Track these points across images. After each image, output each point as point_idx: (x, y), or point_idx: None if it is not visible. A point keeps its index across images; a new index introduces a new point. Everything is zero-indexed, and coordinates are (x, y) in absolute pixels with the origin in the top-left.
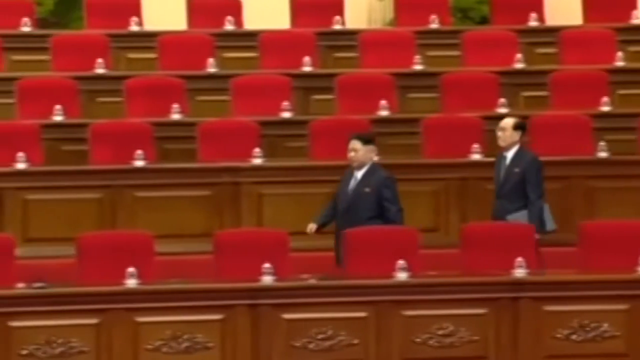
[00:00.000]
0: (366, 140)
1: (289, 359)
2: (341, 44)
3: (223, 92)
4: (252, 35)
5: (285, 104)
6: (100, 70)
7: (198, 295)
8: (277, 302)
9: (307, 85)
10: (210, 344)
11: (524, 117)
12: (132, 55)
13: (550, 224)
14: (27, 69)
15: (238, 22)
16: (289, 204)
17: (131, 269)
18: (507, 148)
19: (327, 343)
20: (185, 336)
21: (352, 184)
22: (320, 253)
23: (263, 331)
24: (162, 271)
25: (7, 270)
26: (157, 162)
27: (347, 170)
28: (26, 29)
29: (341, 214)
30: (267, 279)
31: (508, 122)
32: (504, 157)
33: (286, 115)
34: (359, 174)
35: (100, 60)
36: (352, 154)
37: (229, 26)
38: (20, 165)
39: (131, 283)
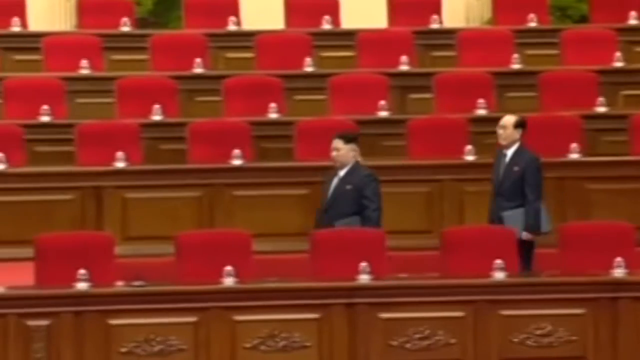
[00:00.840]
0: (348, 139)
1: (386, 358)
2: (439, 42)
3: (320, 91)
4: (350, 34)
5: (382, 103)
6: (198, 70)
7: (295, 294)
8: (374, 301)
9: (405, 84)
10: (307, 343)
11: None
12: (230, 54)
13: (545, 225)
14: (126, 69)
15: (335, 21)
16: (386, 202)
17: (229, 268)
18: (508, 146)
19: (425, 342)
20: (283, 335)
21: (335, 182)
22: (417, 252)
23: (360, 330)
24: (259, 270)
25: (106, 268)
26: (254, 161)
27: (330, 172)
28: (126, 28)
29: (323, 212)
30: (364, 278)
31: (509, 119)
32: (504, 155)
33: (383, 114)
34: (342, 173)
35: (198, 59)
36: (334, 153)
37: (326, 25)
38: (120, 164)
39: (229, 282)
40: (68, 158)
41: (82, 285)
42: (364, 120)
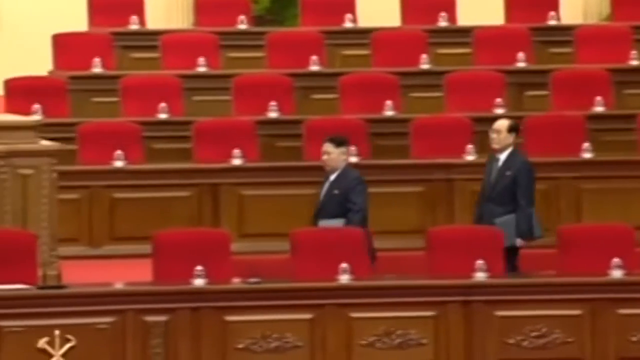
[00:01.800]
0: (339, 143)
1: (502, 356)
2: (556, 39)
3: (436, 88)
4: (466, 31)
5: (498, 100)
6: (314, 67)
7: (411, 291)
8: (490, 299)
9: (521, 81)
10: (423, 341)
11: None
12: (347, 52)
13: (537, 231)
14: (243, 66)
15: (452, 18)
16: None
17: (344, 265)
18: (501, 150)
19: (541, 341)
20: (399, 332)
21: (326, 186)
22: (534, 250)
23: (476, 328)
24: (376, 267)
25: (223, 265)
26: (370, 159)
27: (326, 173)
28: (242, 26)
29: (314, 216)
30: (480, 276)
31: (502, 124)
32: (497, 160)
33: (499, 111)
34: (332, 177)
35: (314, 57)
36: (325, 157)
37: (442, 22)
38: (236, 161)
39: (344, 279)
40: (185, 155)
41: (199, 282)
42: (479, 118)
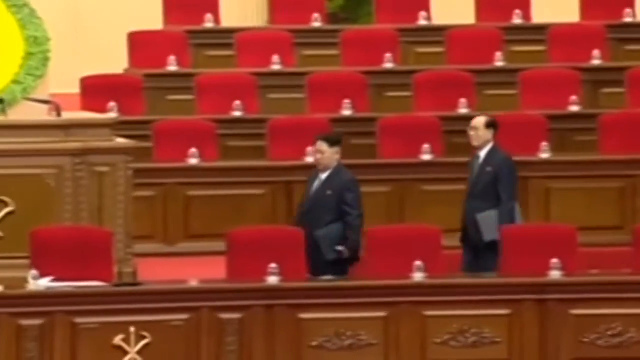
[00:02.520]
0: (333, 142)
1: (577, 355)
2: (632, 36)
3: (511, 86)
4: (541, 28)
5: (574, 98)
6: (389, 65)
7: (485, 289)
8: (565, 298)
9: (597, 79)
10: (497, 339)
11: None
12: (421, 49)
13: None
14: (317, 64)
15: (526, 15)
16: (578, 198)
17: (418, 263)
18: (480, 147)
19: (617, 340)
20: (473, 330)
21: (316, 185)
22: (609, 248)
23: (551, 326)
24: (449, 265)
25: (297, 262)
26: (444, 157)
27: (314, 171)
28: (317, 24)
29: (303, 215)
30: (555, 274)
31: (480, 120)
32: (477, 157)
33: (574, 109)
34: (324, 176)
35: (388, 54)
36: (318, 156)
37: (517, 20)
38: (310, 159)
39: (418, 277)
40: (259, 153)
41: (273, 280)
42: (555, 115)
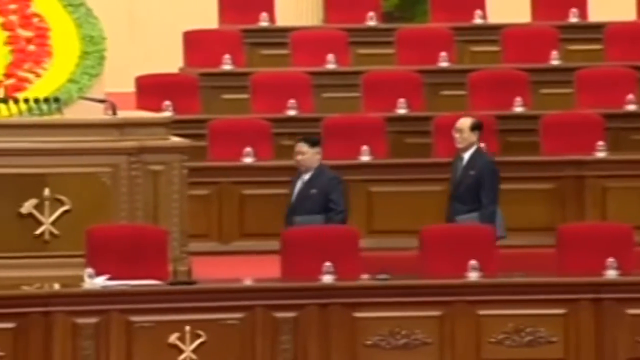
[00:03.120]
0: (313, 143)
1: (633, 355)
2: None
3: (567, 84)
4: (597, 27)
5: (630, 96)
6: (444, 64)
7: (540, 289)
8: (621, 297)
9: None
10: (553, 338)
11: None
12: (476, 48)
13: (500, 231)
14: (372, 63)
15: (582, 14)
16: (634, 197)
17: (473, 262)
18: (465, 149)
19: None
20: (528, 330)
21: (299, 185)
22: None
23: (607, 326)
24: (505, 264)
25: (352, 261)
26: (500, 155)
27: (297, 172)
28: (372, 23)
29: (289, 217)
30: (611, 274)
31: (465, 122)
32: (461, 158)
33: (631, 107)
34: (306, 176)
35: (444, 53)
36: (299, 157)
37: (573, 18)
38: (365, 158)
39: (473, 276)
40: None
41: (327, 278)
42: (611, 114)
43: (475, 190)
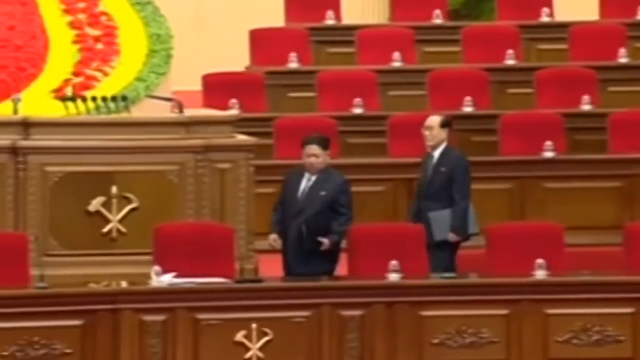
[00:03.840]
0: (325, 146)
1: None
2: None
3: (635, 82)
4: None
5: None
6: (510, 62)
7: (608, 287)
8: None
9: None
10: (621, 337)
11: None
12: (543, 46)
13: (473, 227)
14: (438, 61)
15: None
16: None
17: (540, 260)
18: (435, 147)
19: None
20: (596, 328)
21: (304, 186)
22: None
23: None
24: (572, 263)
25: (418, 260)
26: (566, 154)
27: (294, 174)
28: (438, 21)
29: (290, 218)
30: None
31: (434, 120)
32: (431, 157)
33: None
34: (314, 177)
35: (510, 51)
36: (312, 159)
37: None
38: None
39: (540, 274)
40: (380, 149)
41: (394, 277)
42: None
43: (447, 187)
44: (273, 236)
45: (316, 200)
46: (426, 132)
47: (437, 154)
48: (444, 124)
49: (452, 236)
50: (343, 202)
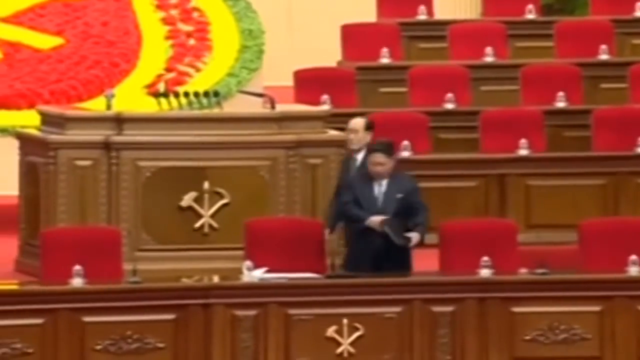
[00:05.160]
0: (390, 152)
1: None
2: None
3: None
4: None
5: None
6: (603, 56)
7: None
8: None
9: None
10: None
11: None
12: (637, 40)
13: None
14: (530, 56)
15: None
16: None
17: (634, 257)
18: (359, 150)
19: None
20: None
21: (378, 192)
22: None
23: None
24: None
25: (509, 255)
26: None
27: (357, 180)
28: (530, 16)
29: (361, 215)
30: None
31: (359, 122)
32: (354, 159)
33: None
34: (384, 182)
35: (604, 46)
36: (378, 168)
37: None
38: (523, 152)
39: (633, 271)
40: (472, 145)
41: (485, 272)
42: None
43: None
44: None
45: (393, 203)
46: (351, 135)
47: (360, 156)
48: (369, 127)
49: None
50: (416, 200)
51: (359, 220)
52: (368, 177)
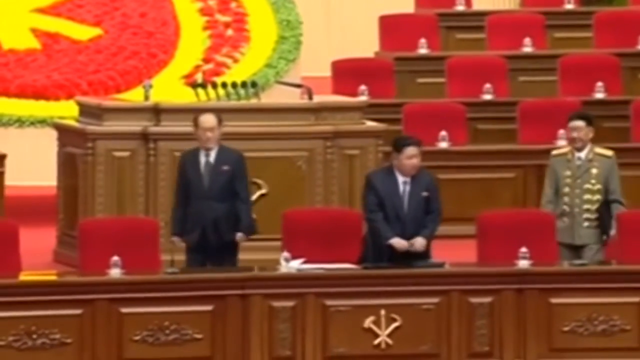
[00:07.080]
0: (420, 146)
1: None
2: None
3: None
4: None
5: None
6: None
7: None
8: None
9: None
10: None
11: None
12: None
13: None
14: (569, 46)
15: None
16: None
17: None
18: (214, 147)
19: None
20: None
21: (403, 190)
22: None
23: None
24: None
25: (548, 246)
26: None
27: (377, 176)
28: (569, 6)
29: (395, 220)
30: None
31: (213, 119)
32: (207, 155)
33: None
34: (408, 179)
35: None
36: (414, 161)
37: None
38: (561, 142)
39: None
40: (510, 136)
41: (523, 263)
42: None
43: (230, 186)
44: (403, 242)
45: (420, 204)
46: (208, 134)
47: (214, 153)
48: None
49: (241, 236)
50: (434, 196)
51: (383, 237)
52: (389, 174)
